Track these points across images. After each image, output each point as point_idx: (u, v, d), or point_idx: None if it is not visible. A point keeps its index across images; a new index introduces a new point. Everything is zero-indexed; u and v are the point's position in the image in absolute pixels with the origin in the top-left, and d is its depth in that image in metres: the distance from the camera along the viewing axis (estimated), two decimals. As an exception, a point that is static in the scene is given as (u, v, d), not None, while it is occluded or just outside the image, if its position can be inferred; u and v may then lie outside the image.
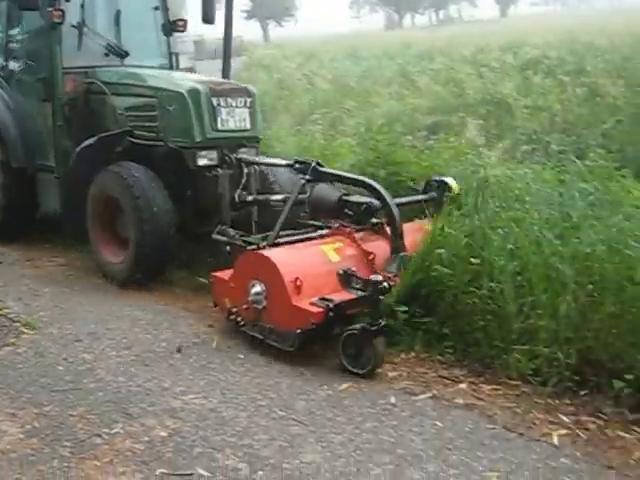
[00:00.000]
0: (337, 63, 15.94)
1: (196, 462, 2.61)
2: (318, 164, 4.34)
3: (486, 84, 10.38)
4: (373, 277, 3.46)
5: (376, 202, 4.01)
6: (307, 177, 4.29)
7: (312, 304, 3.53)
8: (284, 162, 4.76)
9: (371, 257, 3.87)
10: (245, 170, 4.84)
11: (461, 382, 3.31)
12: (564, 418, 2.96)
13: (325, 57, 17.74)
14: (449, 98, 10.32)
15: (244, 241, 4.24)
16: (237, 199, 4.81)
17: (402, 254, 3.88)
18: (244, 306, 3.80)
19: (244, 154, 4.89)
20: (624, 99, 8.13)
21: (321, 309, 3.48)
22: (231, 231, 4.51)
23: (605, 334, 3.09)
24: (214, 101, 4.82)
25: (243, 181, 4.82)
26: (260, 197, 4.90)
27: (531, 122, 8.53)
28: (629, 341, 3.03)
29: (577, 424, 2.92)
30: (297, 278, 3.58)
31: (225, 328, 3.95)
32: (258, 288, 3.73)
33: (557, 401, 3.09)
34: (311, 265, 3.77)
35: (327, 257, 3.83)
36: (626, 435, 2.82)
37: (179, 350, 3.68)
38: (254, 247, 3.96)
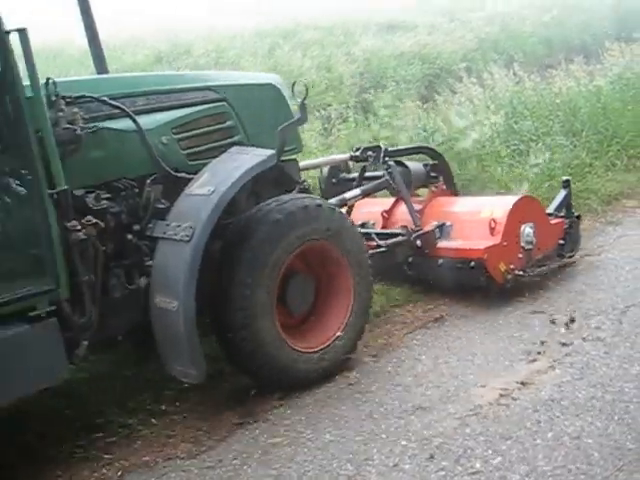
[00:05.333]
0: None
1: None
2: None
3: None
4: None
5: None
6: (388, 160, 4.67)
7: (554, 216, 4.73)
8: (345, 156, 4.92)
9: None
10: None
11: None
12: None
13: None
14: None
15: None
16: None
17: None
18: (519, 255, 4.36)
19: None
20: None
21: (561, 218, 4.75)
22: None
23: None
24: None
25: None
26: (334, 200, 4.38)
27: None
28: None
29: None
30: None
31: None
32: (528, 229, 4.39)
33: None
34: None
35: None
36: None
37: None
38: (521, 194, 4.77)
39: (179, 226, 3.24)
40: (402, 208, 4.77)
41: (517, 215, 4.40)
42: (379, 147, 4.80)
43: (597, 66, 9.43)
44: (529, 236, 4.40)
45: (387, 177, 4.66)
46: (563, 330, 3.98)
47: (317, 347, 3.60)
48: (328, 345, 3.64)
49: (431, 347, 3.98)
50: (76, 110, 3.18)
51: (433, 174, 4.91)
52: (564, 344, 3.81)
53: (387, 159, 4.70)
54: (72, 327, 3.00)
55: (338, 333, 3.67)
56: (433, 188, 4.91)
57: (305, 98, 3.82)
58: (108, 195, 3.28)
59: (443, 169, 5.05)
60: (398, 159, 4.81)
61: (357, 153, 4.86)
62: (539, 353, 3.75)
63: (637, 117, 7.48)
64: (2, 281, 2.81)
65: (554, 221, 4.70)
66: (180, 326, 3.12)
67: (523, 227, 4.39)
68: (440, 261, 4.41)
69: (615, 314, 4.10)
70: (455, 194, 5.08)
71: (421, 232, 4.49)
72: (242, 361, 3.45)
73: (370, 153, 4.76)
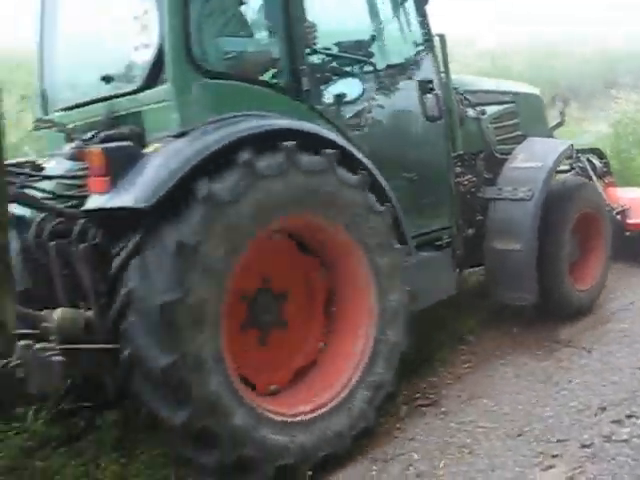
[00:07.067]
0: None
1: None
2: None
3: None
4: None
5: None
6: None
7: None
8: None
9: None
10: None
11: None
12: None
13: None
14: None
15: None
16: None
17: None
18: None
19: None
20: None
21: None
22: None
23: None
24: None
25: None
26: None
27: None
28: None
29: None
30: None
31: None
32: None
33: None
34: None
35: None
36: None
37: None
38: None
39: (515, 189, 4.47)
40: None
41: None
42: None
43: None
44: None
45: None
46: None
47: (584, 287, 4.83)
48: (590, 286, 4.89)
49: None
50: (461, 97, 4.58)
51: None
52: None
53: None
54: (454, 257, 4.30)
55: (597, 279, 4.93)
56: None
57: (565, 107, 5.51)
58: (459, 164, 4.50)
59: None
60: None
61: None
62: None
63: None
64: (424, 219, 4.14)
65: None
66: (523, 262, 4.36)
67: None
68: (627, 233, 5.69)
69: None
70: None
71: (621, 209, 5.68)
72: (543, 294, 4.46)
73: None
